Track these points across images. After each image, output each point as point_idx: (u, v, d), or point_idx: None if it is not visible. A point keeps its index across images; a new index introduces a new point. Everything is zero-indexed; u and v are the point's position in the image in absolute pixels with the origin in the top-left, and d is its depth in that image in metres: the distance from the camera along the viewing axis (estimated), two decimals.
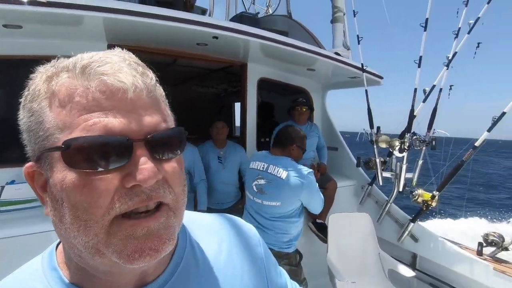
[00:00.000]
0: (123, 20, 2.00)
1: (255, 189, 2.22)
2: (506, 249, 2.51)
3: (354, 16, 2.90)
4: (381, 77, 3.27)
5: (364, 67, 3.04)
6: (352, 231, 3.00)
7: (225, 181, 3.06)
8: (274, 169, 2.15)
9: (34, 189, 0.43)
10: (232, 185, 3.16)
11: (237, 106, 7.01)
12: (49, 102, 0.40)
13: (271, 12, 5.12)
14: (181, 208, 0.45)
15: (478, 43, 2.39)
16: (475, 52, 2.42)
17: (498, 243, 2.55)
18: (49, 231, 1.96)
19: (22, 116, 0.43)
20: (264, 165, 2.21)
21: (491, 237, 2.60)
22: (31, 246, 1.91)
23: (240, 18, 4.39)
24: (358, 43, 2.96)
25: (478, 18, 2.40)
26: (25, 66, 2.14)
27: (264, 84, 3.66)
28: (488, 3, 2.32)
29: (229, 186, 3.14)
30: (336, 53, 3.00)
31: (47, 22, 2.07)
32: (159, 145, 0.42)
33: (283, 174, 2.10)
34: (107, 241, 0.38)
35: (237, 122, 7.35)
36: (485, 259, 2.52)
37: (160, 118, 0.43)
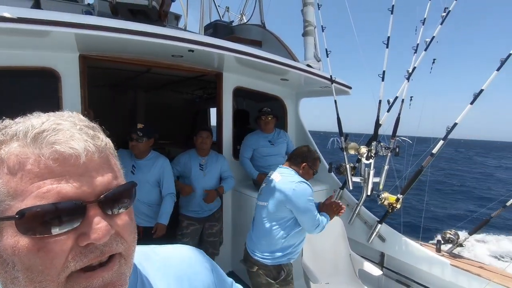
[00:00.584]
0: (95, 35, 1.99)
1: (259, 192, 2.40)
2: (461, 245, 2.78)
3: (323, 31, 3.07)
4: (349, 87, 3.47)
5: (333, 78, 3.22)
6: (324, 233, 3.15)
7: (206, 187, 3.11)
8: (274, 174, 2.31)
9: None
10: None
11: (213, 111, 7.02)
12: None
13: (245, 21, 5.21)
14: (132, 254, 0.48)
15: (434, 59, 2.64)
16: (431, 68, 2.66)
17: (454, 240, 2.81)
18: None
19: None
20: (271, 172, 2.37)
21: (448, 235, 2.86)
22: None
23: (215, 26, 4.45)
24: (327, 56, 3.13)
25: (433, 37, 2.65)
26: None
27: (240, 93, 3.75)
28: (441, 23, 2.57)
29: None
30: (308, 65, 3.15)
31: (17, 33, 2.01)
32: (111, 202, 0.44)
33: (278, 177, 2.25)
34: None
35: (213, 128, 7.36)
36: (442, 255, 2.77)
37: (111, 176, 0.46)
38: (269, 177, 2.34)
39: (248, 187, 3.57)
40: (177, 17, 5.39)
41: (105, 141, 0.48)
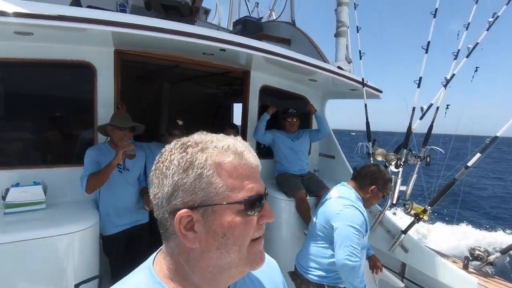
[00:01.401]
0: (130, 34, 2.03)
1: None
2: (491, 264, 2.65)
3: (357, 31, 2.97)
4: (380, 91, 3.36)
5: (365, 82, 3.12)
6: None
7: None
8: (333, 190, 2.19)
9: (178, 229, 0.58)
10: None
11: (236, 106, 7.04)
12: (217, 171, 0.59)
13: (274, 17, 5.15)
14: None
15: (476, 68, 2.49)
16: (473, 76, 2.51)
17: (483, 258, 2.68)
18: (53, 236, 2.01)
19: (185, 176, 0.58)
20: (332, 188, 2.26)
21: (477, 252, 2.73)
22: (37, 250, 1.96)
23: (244, 22, 4.43)
24: (360, 58, 3.04)
25: (477, 43, 2.49)
26: (34, 69, 2.20)
27: (266, 91, 3.72)
28: (487, 29, 2.41)
29: None
30: (339, 67, 3.07)
31: (57, 29, 2.09)
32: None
33: (335, 194, 2.11)
34: (246, 256, 0.61)
35: (236, 122, 7.39)
36: (471, 272, 2.65)
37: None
38: (328, 192, 2.24)
39: (270, 186, 3.57)
40: (207, 12, 5.42)
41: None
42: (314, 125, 4.13)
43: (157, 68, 4.72)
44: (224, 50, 2.44)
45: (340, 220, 1.93)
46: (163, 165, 0.61)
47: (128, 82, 4.98)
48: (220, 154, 0.61)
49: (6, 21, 1.68)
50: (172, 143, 0.65)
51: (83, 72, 2.68)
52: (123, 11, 4.36)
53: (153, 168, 0.64)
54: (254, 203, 0.60)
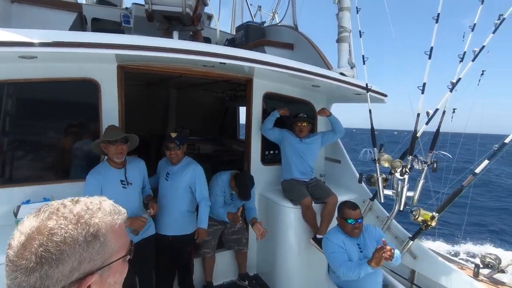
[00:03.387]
0: (133, 55, 2.06)
1: None
2: (503, 271, 2.59)
3: (360, 36, 2.92)
4: (385, 95, 3.30)
5: (369, 87, 3.08)
6: None
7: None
8: None
9: None
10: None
11: (242, 109, 7.06)
12: (112, 235, 0.66)
13: (277, 19, 5.12)
14: None
15: (483, 71, 2.41)
16: (480, 80, 2.44)
17: (495, 265, 2.62)
18: None
19: (84, 248, 0.61)
20: None
21: (487, 259, 2.68)
22: None
23: (247, 28, 4.43)
24: (364, 63, 2.99)
25: (483, 46, 2.41)
26: (39, 87, 2.25)
27: (269, 97, 3.72)
28: (493, 32, 2.33)
29: None
30: (341, 73, 3.03)
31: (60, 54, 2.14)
32: None
33: None
34: None
35: (242, 125, 7.42)
36: (481, 280, 2.60)
37: None
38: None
39: (276, 193, 3.57)
40: (210, 17, 5.43)
41: None
42: (319, 129, 4.11)
43: (163, 77, 4.78)
44: (224, 63, 2.45)
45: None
46: (54, 243, 0.57)
47: (134, 89, 5.06)
48: (111, 219, 0.68)
49: (8, 51, 1.73)
50: (54, 219, 0.60)
51: (87, 88, 2.74)
52: (127, 22, 4.44)
53: (38, 247, 0.57)
54: (133, 249, 0.72)
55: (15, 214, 2.30)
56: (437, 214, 2.74)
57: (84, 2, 4.74)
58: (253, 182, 3.12)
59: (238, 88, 5.17)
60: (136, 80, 5.12)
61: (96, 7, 4.47)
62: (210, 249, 3.22)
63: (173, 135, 2.78)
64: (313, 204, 3.26)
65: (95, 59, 2.53)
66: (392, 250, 2.12)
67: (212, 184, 3.17)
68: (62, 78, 2.55)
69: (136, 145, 2.65)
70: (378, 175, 3.06)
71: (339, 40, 3.19)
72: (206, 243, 3.18)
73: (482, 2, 2.56)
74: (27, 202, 2.36)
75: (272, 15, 5.28)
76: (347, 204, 2.59)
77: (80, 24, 3.56)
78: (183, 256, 3.01)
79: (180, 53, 2.15)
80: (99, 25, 4.40)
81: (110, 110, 2.82)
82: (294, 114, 3.54)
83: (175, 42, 2.18)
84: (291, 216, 3.30)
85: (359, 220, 2.50)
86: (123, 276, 0.71)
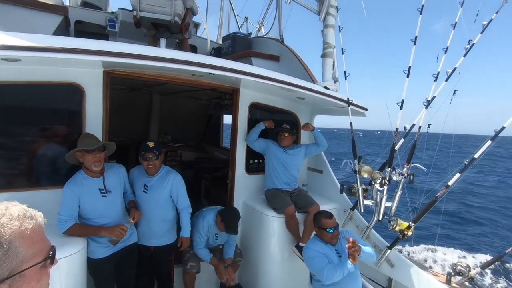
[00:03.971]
0: (120, 62, 2.05)
1: None
2: (472, 279, 2.74)
3: (342, 53, 3.07)
4: (365, 109, 3.46)
5: (350, 101, 3.21)
6: None
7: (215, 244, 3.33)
8: None
9: None
10: None
11: (226, 117, 7.08)
12: (22, 241, 0.65)
13: (263, 31, 5.24)
14: None
15: (455, 91, 2.60)
16: (452, 99, 2.63)
17: (465, 273, 2.77)
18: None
19: None
20: None
21: (458, 267, 2.82)
22: None
23: (233, 38, 4.50)
24: (345, 79, 3.13)
25: (455, 68, 2.61)
26: (21, 91, 2.18)
27: (255, 107, 3.78)
28: (464, 56, 2.54)
29: None
30: (325, 87, 3.16)
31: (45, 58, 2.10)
32: None
33: None
34: None
35: (225, 133, 7.43)
36: (452, 287, 2.74)
37: None
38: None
39: (259, 202, 3.61)
40: (196, 25, 5.46)
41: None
42: (302, 140, 4.21)
43: (147, 83, 4.72)
44: (213, 74, 2.49)
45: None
46: None
47: (116, 94, 4.96)
48: (18, 224, 0.65)
49: None
50: None
51: (71, 93, 2.67)
52: (112, 26, 4.38)
53: None
54: (54, 255, 0.71)
55: None
56: (413, 224, 2.87)
57: (67, 3, 4.62)
58: (239, 216, 3.12)
59: (224, 97, 5.20)
60: (119, 84, 5.02)
61: (80, 9, 4.37)
62: (195, 263, 3.15)
63: (151, 144, 2.67)
64: (296, 214, 3.32)
65: (81, 64, 2.48)
66: (354, 240, 2.33)
67: (196, 221, 3.11)
68: (46, 81, 2.48)
69: (113, 151, 2.59)
70: (359, 185, 3.18)
71: (323, 56, 3.33)
72: (193, 258, 3.13)
73: (454, 27, 2.78)
74: None
75: (258, 26, 5.40)
76: (323, 214, 2.74)
77: (65, 27, 3.48)
78: (164, 265, 2.96)
79: (169, 63, 2.16)
80: (83, 28, 4.31)
81: (94, 116, 2.76)
82: (278, 124, 3.63)
83: (164, 51, 2.19)
84: (274, 225, 3.34)
85: (336, 228, 2.67)
86: (43, 283, 0.69)
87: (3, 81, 2.33)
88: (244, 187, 3.76)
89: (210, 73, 2.47)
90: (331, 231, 2.62)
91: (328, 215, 2.73)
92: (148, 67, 2.32)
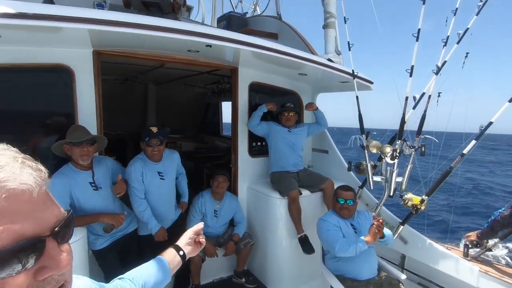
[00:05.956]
0: (110, 31, 1.89)
1: None
2: (490, 250, 2.65)
3: (345, 22, 2.89)
4: (371, 82, 3.31)
5: (355, 73, 3.06)
6: None
7: (219, 232, 3.31)
8: None
9: None
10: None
11: (224, 105, 6.92)
12: None
13: (259, 12, 5.04)
14: (72, 277, 0.51)
15: (467, 53, 2.45)
16: (464, 62, 2.48)
17: (483, 245, 2.68)
18: None
19: None
20: None
21: (472, 238, 2.73)
22: None
23: (229, 18, 4.31)
24: (349, 50, 2.96)
25: (467, 28, 2.46)
26: (6, 75, 2.00)
27: (255, 87, 3.63)
28: (477, 14, 2.38)
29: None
30: (329, 59, 3.00)
31: (29, 29, 1.93)
32: (63, 232, 0.46)
33: None
34: None
35: (225, 120, 7.27)
36: (470, 260, 2.65)
37: (56, 206, 0.47)
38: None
39: (264, 185, 3.49)
40: (189, 9, 5.25)
41: (44, 171, 0.47)
42: (305, 121, 4.07)
43: (141, 70, 4.54)
44: (210, 46, 2.33)
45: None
46: None
47: (110, 85, 4.78)
48: None
49: None
50: None
51: (60, 77, 2.51)
52: (101, 8, 4.17)
53: None
54: (4, 259, 0.37)
55: None
56: (426, 197, 2.76)
57: None
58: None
59: (222, 81, 5.04)
60: (111, 74, 4.84)
61: None
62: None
63: (154, 129, 2.54)
64: (310, 194, 3.21)
65: (69, 43, 2.32)
66: (381, 220, 2.30)
67: (194, 201, 3.20)
68: (32, 64, 2.31)
69: (105, 145, 2.47)
70: (367, 162, 3.05)
71: (325, 26, 3.16)
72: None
73: None
74: None
75: (253, 7, 5.20)
76: (341, 187, 2.76)
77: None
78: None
79: (163, 32, 1.99)
80: None
81: (86, 102, 2.60)
82: (281, 105, 3.48)
83: (158, 20, 2.02)
84: (280, 207, 3.22)
85: (349, 202, 2.61)
86: None
87: None
88: (248, 171, 3.64)
89: (207, 45, 2.31)
90: (342, 201, 2.61)
91: (345, 187, 2.74)
92: (140, 38, 2.15)
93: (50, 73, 2.49)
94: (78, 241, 2.07)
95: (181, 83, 5.92)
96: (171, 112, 6.74)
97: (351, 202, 2.62)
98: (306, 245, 3.04)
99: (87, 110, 2.58)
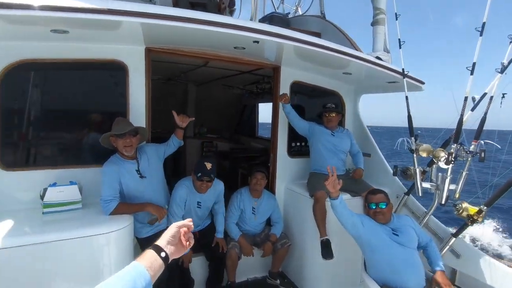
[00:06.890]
0: (162, 25, 1.96)
1: None
2: None
3: (396, 19, 2.75)
4: (422, 82, 3.11)
5: (405, 72, 2.90)
6: None
7: (256, 229, 3.31)
8: None
9: None
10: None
11: (261, 106, 6.94)
12: None
13: (300, 13, 5.00)
14: None
15: None
16: None
17: None
18: (90, 236, 1.98)
19: None
20: None
21: None
22: (75, 250, 1.93)
23: (271, 18, 4.31)
24: (400, 47, 2.81)
25: None
26: (68, 69, 2.15)
27: (297, 87, 3.58)
28: None
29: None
30: (377, 57, 2.87)
31: (91, 26, 2.07)
32: None
33: None
34: None
35: (263, 124, 7.29)
36: None
37: None
38: None
39: (302, 186, 3.40)
40: (232, 11, 5.36)
41: None
42: (347, 122, 3.94)
43: (184, 69, 4.70)
44: (257, 41, 2.33)
45: None
46: None
47: (156, 84, 5.01)
48: None
49: (41, 15, 1.67)
50: None
51: (115, 72, 2.68)
52: None
53: None
54: None
55: (42, 197, 2.23)
56: (485, 208, 2.51)
57: None
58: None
59: (262, 81, 5.05)
60: (156, 73, 5.08)
61: None
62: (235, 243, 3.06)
63: (208, 166, 2.62)
64: (350, 198, 3.06)
65: (124, 39, 2.46)
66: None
67: (230, 202, 3.23)
68: (91, 59, 2.49)
69: (146, 137, 2.61)
70: (416, 166, 2.86)
71: (374, 23, 3.03)
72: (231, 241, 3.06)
73: None
74: (54, 185, 2.29)
75: (295, 7, 5.16)
76: (369, 191, 2.67)
77: None
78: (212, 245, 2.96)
79: (213, 26, 2.03)
80: None
81: (137, 97, 2.75)
82: (323, 105, 3.38)
83: (207, 15, 2.07)
84: (307, 205, 3.10)
85: (381, 205, 2.46)
86: None
87: (51, 59, 2.36)
88: (286, 171, 3.58)
89: (254, 41, 2.32)
90: (373, 206, 2.47)
91: (373, 191, 2.64)
92: (190, 33, 2.22)
93: (107, 69, 2.66)
94: (125, 228, 2.15)
95: (220, 84, 6.04)
96: (209, 112, 6.90)
97: (383, 205, 2.47)
98: (326, 249, 2.86)
99: (137, 103, 2.72)
